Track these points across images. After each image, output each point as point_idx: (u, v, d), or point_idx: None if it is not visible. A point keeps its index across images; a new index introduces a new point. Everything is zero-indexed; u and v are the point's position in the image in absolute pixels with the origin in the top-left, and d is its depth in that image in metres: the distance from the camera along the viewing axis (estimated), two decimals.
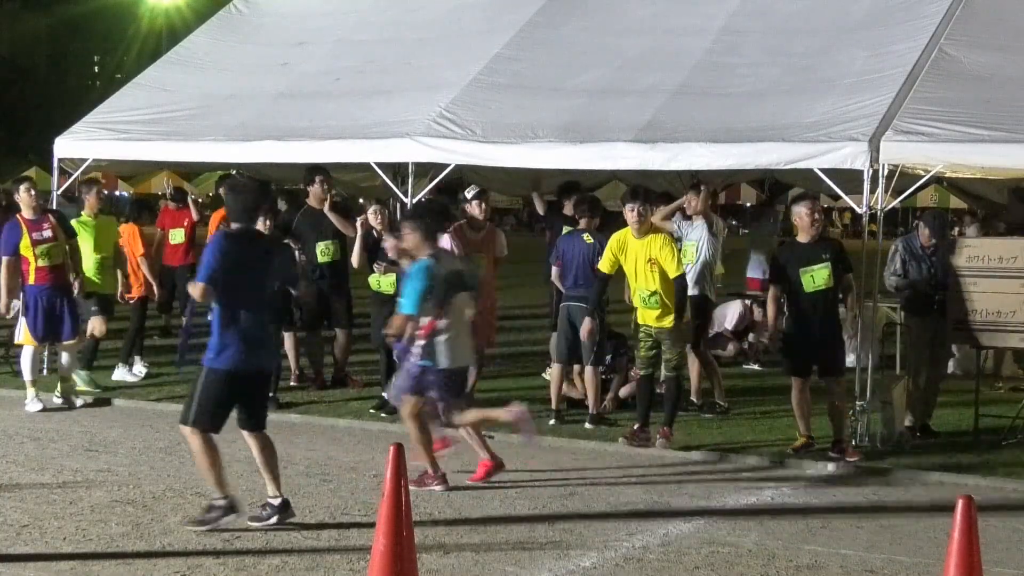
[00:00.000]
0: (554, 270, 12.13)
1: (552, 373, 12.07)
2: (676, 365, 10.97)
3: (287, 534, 7.84)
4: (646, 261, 10.75)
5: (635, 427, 10.86)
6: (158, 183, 49.10)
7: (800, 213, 10.81)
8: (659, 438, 10.80)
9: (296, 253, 12.97)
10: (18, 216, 12.05)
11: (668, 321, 10.78)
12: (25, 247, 11.78)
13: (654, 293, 10.74)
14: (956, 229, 16.44)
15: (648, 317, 10.89)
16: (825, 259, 10.52)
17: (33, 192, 12.04)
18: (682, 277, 10.81)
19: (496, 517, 8.39)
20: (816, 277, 10.50)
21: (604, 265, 11.08)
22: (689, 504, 8.92)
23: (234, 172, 15.57)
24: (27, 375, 12.00)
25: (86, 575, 6.98)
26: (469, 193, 12.23)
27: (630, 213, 10.84)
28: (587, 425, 11.51)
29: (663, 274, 10.70)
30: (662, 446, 10.73)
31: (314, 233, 13.08)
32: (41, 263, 11.81)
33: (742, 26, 13.26)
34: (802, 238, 10.78)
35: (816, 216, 10.67)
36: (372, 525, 6.37)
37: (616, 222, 11.62)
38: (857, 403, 10.89)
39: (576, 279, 11.76)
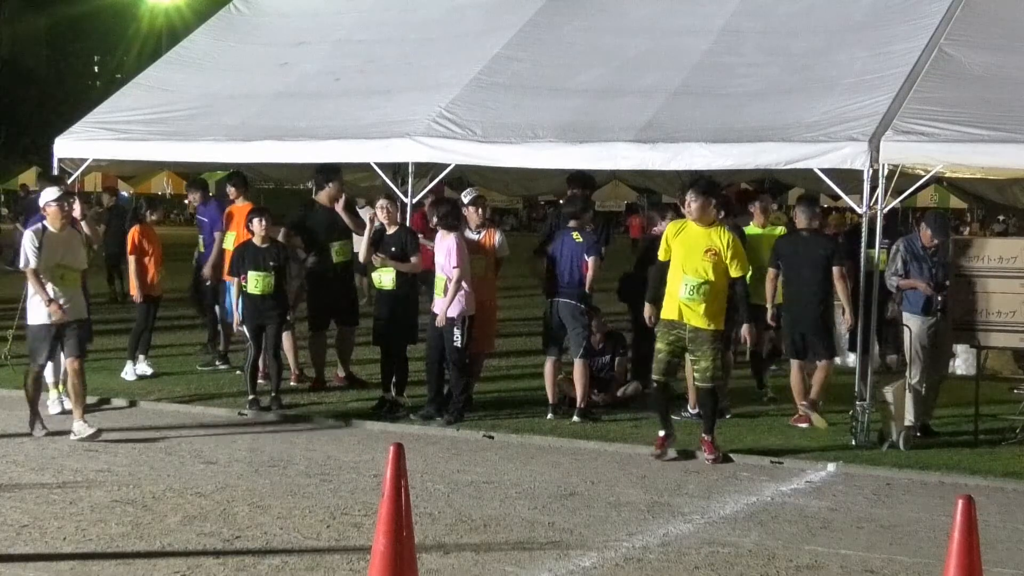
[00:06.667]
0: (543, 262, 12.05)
1: (546, 369, 11.90)
2: (712, 376, 10.14)
3: (287, 534, 7.84)
4: (704, 250, 10.10)
5: (660, 437, 10.39)
6: (158, 183, 49.26)
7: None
8: (706, 454, 10.24)
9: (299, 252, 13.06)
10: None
11: (712, 323, 10.11)
12: None
13: (704, 283, 10.01)
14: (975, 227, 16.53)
15: (687, 314, 10.09)
16: None
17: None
18: (744, 279, 10.28)
19: (496, 517, 8.38)
20: None
21: (661, 254, 10.38)
22: (689, 504, 8.91)
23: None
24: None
25: (86, 575, 6.98)
26: (466, 197, 12.22)
27: (691, 205, 10.13)
28: (575, 419, 11.52)
29: (720, 269, 10.10)
30: (711, 460, 10.17)
31: (326, 232, 13.09)
32: None
33: (742, 26, 13.26)
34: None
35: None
36: (372, 525, 6.36)
37: (613, 222, 11.61)
38: (857, 403, 10.91)
39: (565, 277, 11.70)
